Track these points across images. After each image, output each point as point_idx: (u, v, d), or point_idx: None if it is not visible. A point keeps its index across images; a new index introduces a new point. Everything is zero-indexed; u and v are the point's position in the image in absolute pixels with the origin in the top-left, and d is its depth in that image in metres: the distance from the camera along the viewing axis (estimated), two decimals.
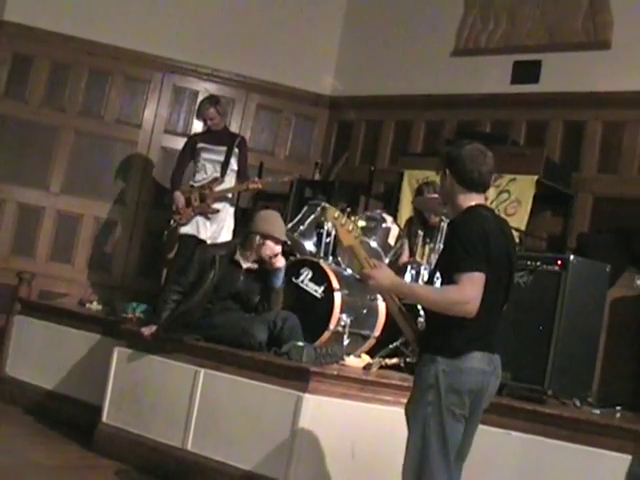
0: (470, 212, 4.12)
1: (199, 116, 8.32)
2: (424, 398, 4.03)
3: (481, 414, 4.19)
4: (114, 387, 6.63)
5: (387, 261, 7.02)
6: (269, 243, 6.55)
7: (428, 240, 7.04)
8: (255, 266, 6.66)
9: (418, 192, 7.29)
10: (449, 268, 4.05)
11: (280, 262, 6.59)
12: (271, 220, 6.71)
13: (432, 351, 4.06)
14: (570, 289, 5.93)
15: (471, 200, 4.15)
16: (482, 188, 4.19)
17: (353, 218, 6.80)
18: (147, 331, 6.37)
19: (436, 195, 6.56)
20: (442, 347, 4.01)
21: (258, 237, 6.56)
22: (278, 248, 6.59)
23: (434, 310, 4.06)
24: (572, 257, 6.01)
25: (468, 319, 3.91)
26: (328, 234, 7.26)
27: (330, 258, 7.08)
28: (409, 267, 6.91)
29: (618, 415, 5.85)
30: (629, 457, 4.94)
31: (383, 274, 4.21)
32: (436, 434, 3.99)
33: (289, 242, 6.79)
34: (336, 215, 4.48)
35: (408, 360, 6.30)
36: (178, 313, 6.38)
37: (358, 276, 4.47)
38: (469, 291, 3.91)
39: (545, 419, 5.32)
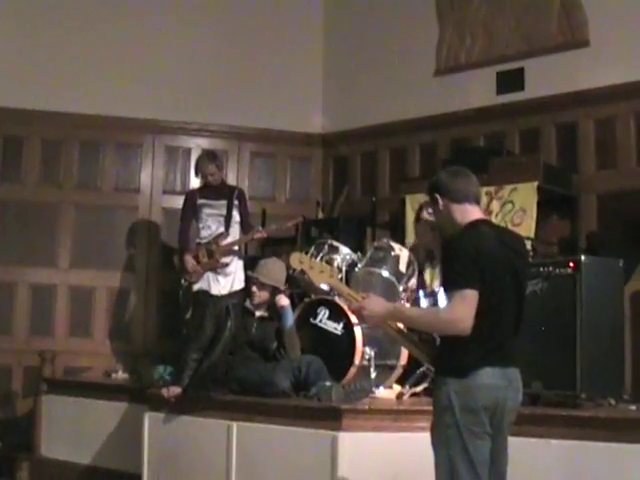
0: (465, 229, 4.14)
1: (198, 174, 8.33)
2: (442, 421, 4.03)
3: (507, 429, 4.16)
4: (150, 453, 6.63)
5: (401, 288, 7.03)
6: (253, 287, 6.67)
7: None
8: (266, 313, 6.73)
9: (419, 210, 7.32)
10: (444, 287, 4.09)
11: (283, 300, 6.66)
12: (258, 265, 6.84)
13: (442, 373, 4.07)
14: (586, 289, 5.92)
15: (468, 214, 4.18)
16: (472, 198, 4.22)
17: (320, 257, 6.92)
18: (167, 393, 6.40)
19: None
20: (451, 367, 4.02)
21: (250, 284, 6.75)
22: (263, 292, 6.69)
23: (430, 331, 4.09)
24: (584, 257, 6.00)
25: (473, 336, 3.91)
26: (339, 270, 7.28)
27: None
28: (422, 295, 6.91)
29: None
30: None
31: (374, 302, 4.23)
32: (461, 456, 3.97)
33: (277, 285, 6.79)
34: (301, 260, 4.44)
35: None
36: (203, 369, 6.40)
37: (351, 311, 4.45)
38: (458, 309, 3.92)
39: (582, 422, 5.30)
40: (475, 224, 4.15)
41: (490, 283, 3.96)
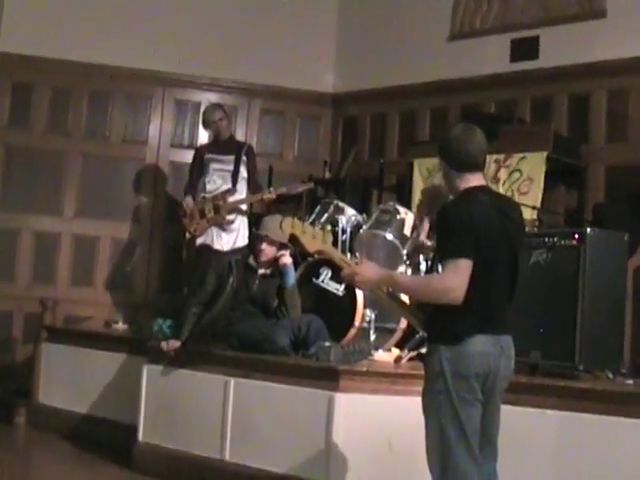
0: (460, 196, 4.11)
1: (206, 124, 8.33)
2: (434, 387, 4.02)
3: (499, 396, 4.16)
4: (147, 405, 6.67)
5: (405, 252, 7.02)
6: (262, 245, 6.65)
7: None
8: (269, 271, 6.73)
9: None
10: (438, 255, 4.07)
11: (286, 259, 6.65)
12: (264, 222, 6.81)
13: (434, 339, 4.07)
14: (590, 261, 5.90)
15: (467, 182, 4.13)
16: (474, 167, 4.15)
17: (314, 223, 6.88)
18: (166, 346, 6.42)
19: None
20: (443, 334, 4.01)
21: (256, 242, 6.73)
22: (271, 249, 6.67)
23: (422, 300, 4.08)
24: (589, 229, 5.98)
25: (466, 304, 3.89)
26: (344, 231, 7.28)
27: (348, 255, 7.08)
28: (422, 258, 6.90)
29: None
30: None
31: (367, 269, 4.21)
32: (451, 422, 3.97)
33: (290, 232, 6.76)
34: (293, 225, 4.41)
35: None
36: (204, 324, 6.42)
37: (343, 277, 4.42)
38: (452, 278, 3.90)
39: (579, 394, 5.30)
40: (471, 191, 4.10)
41: (484, 251, 3.93)
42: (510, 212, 4.21)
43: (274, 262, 6.75)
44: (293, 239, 4.64)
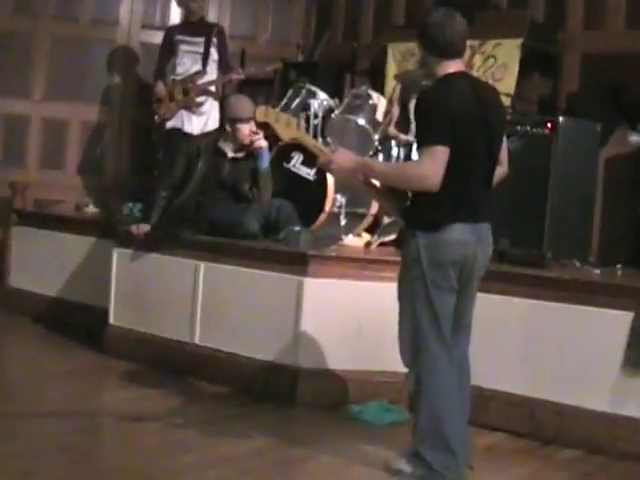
0: (439, 83, 4.06)
1: (179, 2, 8.20)
2: (410, 274, 4.05)
3: (476, 284, 4.19)
4: (117, 288, 6.66)
5: (377, 137, 6.98)
6: (239, 126, 6.51)
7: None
8: (240, 154, 6.62)
9: None
10: (416, 142, 4.05)
11: (261, 142, 6.53)
12: (234, 103, 6.66)
13: (412, 226, 4.06)
14: (562, 150, 5.91)
15: (446, 67, 4.07)
16: (454, 53, 4.10)
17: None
18: (136, 230, 6.39)
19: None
20: (421, 221, 4.01)
21: (229, 124, 6.56)
22: (249, 128, 6.52)
23: (398, 187, 4.06)
24: (561, 118, 5.96)
25: (445, 192, 3.88)
26: (316, 115, 7.22)
27: (320, 139, 7.02)
28: (394, 143, 6.85)
29: (619, 273, 5.85)
30: (631, 314, 4.96)
31: (342, 156, 4.18)
32: (425, 308, 4.02)
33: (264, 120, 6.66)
34: (267, 113, 4.36)
35: None
36: (172, 209, 6.39)
37: (319, 165, 4.39)
38: (427, 165, 3.88)
39: (546, 282, 5.33)
40: (449, 77, 4.06)
41: (462, 138, 3.91)
42: (489, 98, 4.18)
43: (246, 145, 6.64)
44: (266, 126, 4.61)
